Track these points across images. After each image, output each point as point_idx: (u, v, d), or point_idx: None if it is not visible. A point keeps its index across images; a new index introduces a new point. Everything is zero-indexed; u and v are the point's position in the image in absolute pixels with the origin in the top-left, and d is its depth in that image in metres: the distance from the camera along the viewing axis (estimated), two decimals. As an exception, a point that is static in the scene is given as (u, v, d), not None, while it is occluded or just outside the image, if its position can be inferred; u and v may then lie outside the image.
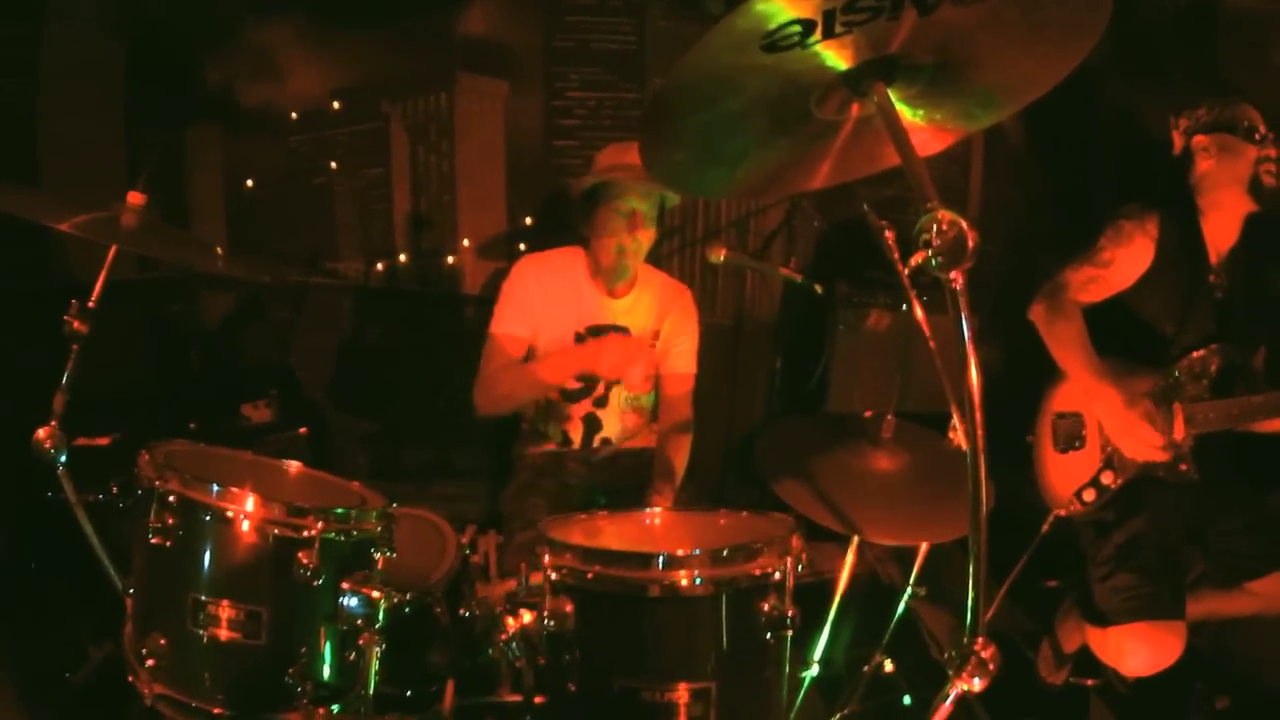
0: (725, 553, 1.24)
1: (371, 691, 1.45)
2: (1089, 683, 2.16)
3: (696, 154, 1.34)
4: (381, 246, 2.93)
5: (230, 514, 1.24)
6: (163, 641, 1.23)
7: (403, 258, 2.95)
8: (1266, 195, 1.97)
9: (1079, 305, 2.05)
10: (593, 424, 2.32)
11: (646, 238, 2.19)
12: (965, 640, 1.12)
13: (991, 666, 1.07)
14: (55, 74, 2.51)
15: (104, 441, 2.11)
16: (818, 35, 1.05)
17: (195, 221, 2.74)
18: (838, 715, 1.98)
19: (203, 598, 1.24)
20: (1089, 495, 2.02)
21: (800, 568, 1.30)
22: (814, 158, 1.45)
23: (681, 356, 2.34)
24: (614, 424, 2.32)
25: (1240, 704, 2.14)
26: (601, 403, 2.30)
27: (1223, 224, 2.01)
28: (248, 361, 2.80)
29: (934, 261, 1.07)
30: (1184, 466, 1.98)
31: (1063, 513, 2.05)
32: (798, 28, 1.04)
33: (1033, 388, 2.22)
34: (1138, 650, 1.86)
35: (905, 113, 1.22)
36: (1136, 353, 2.07)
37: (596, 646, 1.26)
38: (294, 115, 2.77)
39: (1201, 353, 1.99)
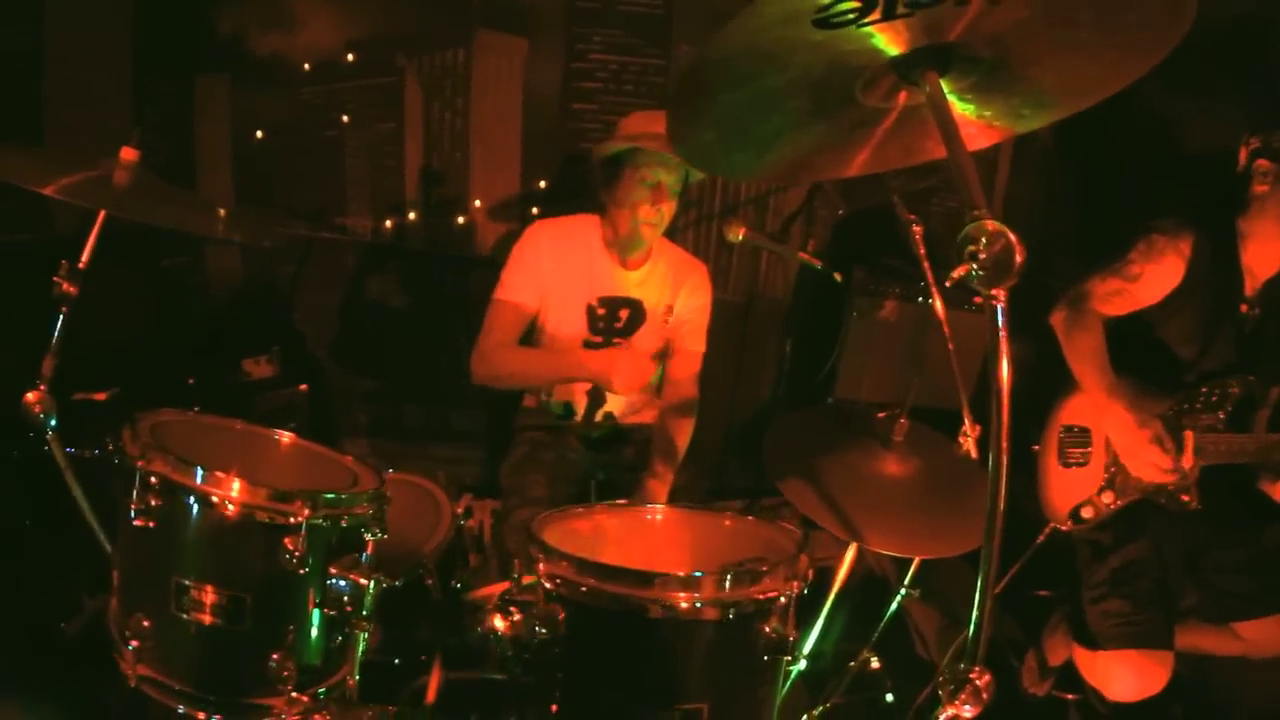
0: (730, 576, 1.18)
1: (357, 678, 1.44)
2: (1070, 697, 2.16)
3: (726, 134, 1.27)
4: (391, 204, 2.87)
5: (214, 498, 1.21)
6: (145, 624, 1.22)
7: (412, 216, 2.89)
8: None
9: (1101, 317, 1.99)
10: (597, 397, 2.28)
11: (669, 210, 2.13)
12: (962, 666, 1.11)
13: (985, 695, 1.05)
14: (61, 20, 2.42)
15: (100, 397, 2.09)
16: (876, 15, 0.99)
17: (202, 172, 2.68)
18: (820, 708, 1.97)
19: (186, 582, 1.22)
20: (1087, 513, 2.00)
21: (805, 591, 1.26)
22: (850, 145, 1.39)
23: (692, 334, 2.29)
24: (618, 398, 2.28)
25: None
26: (605, 388, 2.27)
27: (1265, 253, 1.92)
28: (250, 316, 2.76)
29: (976, 274, 1.01)
30: (1186, 496, 1.94)
31: (1060, 528, 2.03)
32: (856, 3, 0.97)
33: (1041, 392, 2.16)
34: (1124, 677, 1.85)
35: (953, 105, 1.15)
36: (1152, 372, 2.01)
37: (587, 660, 1.22)
38: (306, 66, 2.67)
39: (1223, 382, 1.93)
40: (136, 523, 1.20)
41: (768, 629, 1.21)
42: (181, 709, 1.24)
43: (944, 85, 1.13)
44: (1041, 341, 2.10)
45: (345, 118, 2.75)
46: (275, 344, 2.68)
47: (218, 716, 1.27)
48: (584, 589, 1.17)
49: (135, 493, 1.20)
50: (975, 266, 1.00)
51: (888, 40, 1.04)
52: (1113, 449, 1.97)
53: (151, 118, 2.54)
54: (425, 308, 3.03)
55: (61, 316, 1.45)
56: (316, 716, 1.33)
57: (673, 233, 2.67)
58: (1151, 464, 1.88)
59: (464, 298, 3.01)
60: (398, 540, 1.68)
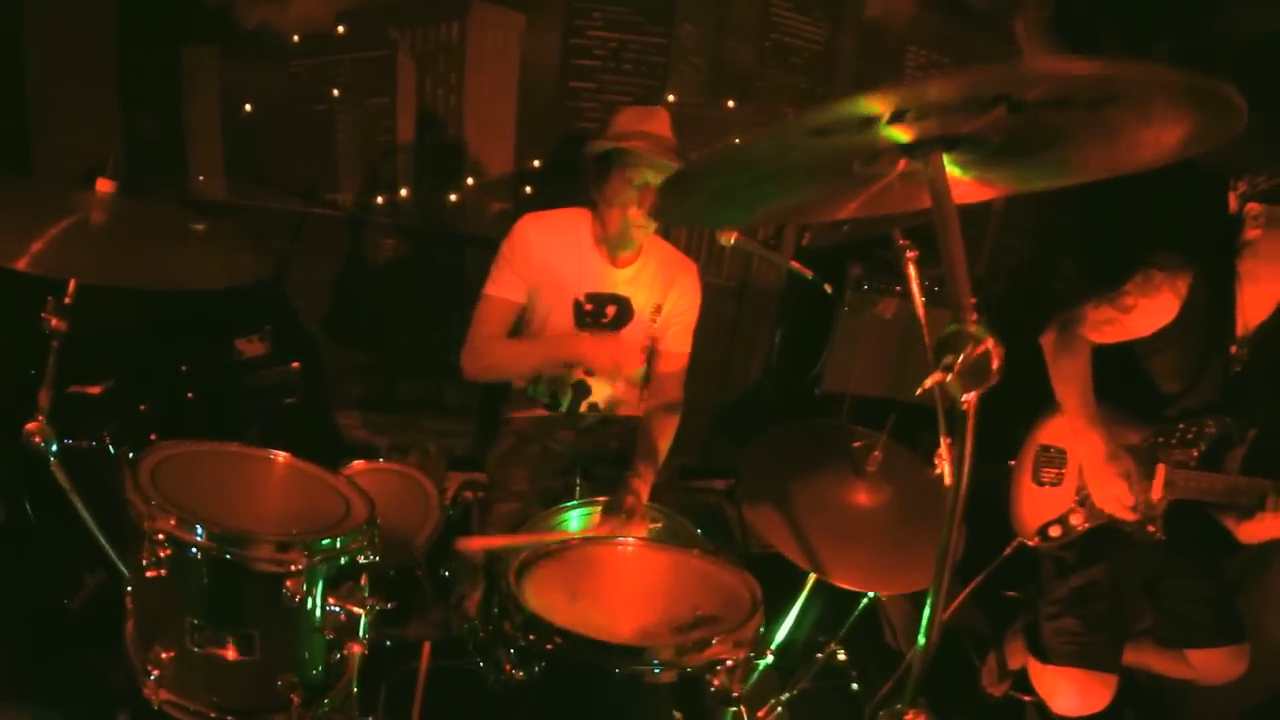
0: (687, 646, 1.32)
1: (356, 689, 1.54)
2: (1026, 699, 2.24)
3: (715, 201, 1.28)
4: (383, 179, 2.82)
5: (215, 554, 1.29)
6: (164, 655, 1.33)
7: (404, 192, 2.85)
8: None
9: (1090, 343, 2.00)
10: (582, 390, 2.31)
11: None
12: (899, 707, 1.23)
13: None
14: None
15: (95, 390, 2.11)
16: (881, 123, 0.97)
17: (192, 146, 2.61)
18: (786, 694, 2.08)
19: (198, 621, 1.32)
20: (1054, 531, 2.05)
21: (753, 655, 1.40)
22: (843, 198, 1.40)
23: (679, 335, 2.30)
24: (603, 391, 2.32)
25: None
26: (593, 370, 2.29)
27: (1259, 297, 1.91)
28: (242, 293, 2.74)
29: (950, 381, 1.03)
30: (1151, 528, 1.99)
31: (1027, 542, 2.10)
32: (859, 123, 0.96)
33: (1029, 391, 2.16)
34: (1068, 693, 1.95)
35: (953, 172, 1.14)
36: (1133, 401, 2.04)
37: (554, 699, 1.39)
38: (295, 38, 2.58)
39: (1201, 420, 1.96)
40: (149, 574, 1.28)
41: (716, 683, 1.35)
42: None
43: (946, 159, 1.12)
44: (1030, 336, 2.09)
45: (336, 91, 2.67)
46: (268, 323, 2.68)
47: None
48: (551, 648, 1.32)
49: (145, 548, 1.28)
50: (951, 377, 1.02)
51: (897, 131, 1.02)
52: (1083, 474, 2.02)
53: (139, 91, 2.46)
54: (418, 283, 3.02)
55: (53, 351, 1.45)
56: (323, 729, 1.46)
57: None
58: (1115, 497, 1.92)
59: (457, 274, 3.00)
60: (388, 533, 1.74)
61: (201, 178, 2.65)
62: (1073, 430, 2.00)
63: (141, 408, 2.24)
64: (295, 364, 2.73)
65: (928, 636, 1.18)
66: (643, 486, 2.10)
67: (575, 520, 2.07)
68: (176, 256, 1.55)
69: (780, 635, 2.02)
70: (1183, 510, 1.97)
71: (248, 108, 2.60)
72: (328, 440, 3.09)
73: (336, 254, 2.90)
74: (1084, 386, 1.96)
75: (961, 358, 0.99)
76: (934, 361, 1.03)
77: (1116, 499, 1.92)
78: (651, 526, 1.97)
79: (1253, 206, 1.84)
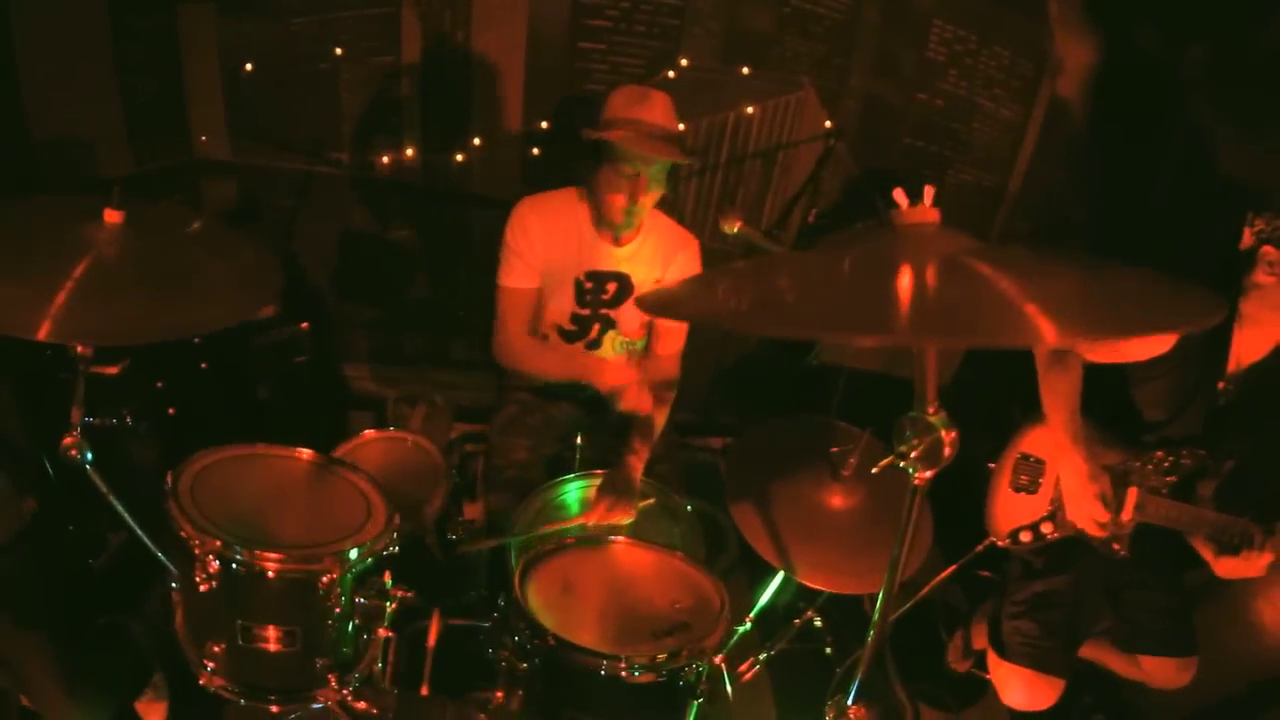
0: (660, 657, 1.54)
1: (381, 665, 1.73)
2: (987, 677, 2.32)
3: None
4: (388, 139, 2.77)
5: (258, 568, 1.43)
6: (217, 649, 1.49)
7: (410, 152, 2.81)
8: None
9: (1083, 361, 2.00)
10: None
11: (650, 199, 2.11)
12: (847, 702, 1.40)
13: None
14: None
15: (113, 370, 2.15)
16: None
17: (192, 107, 2.56)
18: (764, 654, 2.24)
19: (246, 623, 1.47)
20: (1025, 537, 2.11)
21: (714, 660, 1.60)
22: None
23: None
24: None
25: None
26: (595, 345, 2.34)
27: (1255, 339, 1.89)
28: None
29: (904, 464, 1.11)
30: (1117, 546, 2.04)
31: (998, 543, 2.17)
32: None
33: (1025, 377, 2.19)
34: (1018, 688, 2.07)
35: None
36: (1116, 423, 2.07)
37: (551, 685, 1.61)
38: (296, -6, 2.49)
39: (1178, 452, 1.99)
40: (201, 589, 1.42)
41: (682, 681, 1.57)
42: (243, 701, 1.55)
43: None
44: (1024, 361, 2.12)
45: (339, 50, 2.59)
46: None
47: (274, 708, 1.57)
48: (547, 648, 1.54)
49: (196, 568, 1.42)
50: (905, 463, 1.11)
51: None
52: (1059, 487, 2.08)
53: (134, 54, 2.39)
54: (424, 241, 3.02)
55: (80, 374, 1.47)
56: (358, 704, 1.64)
57: (674, 182, 2.62)
58: (1089, 515, 1.97)
59: (463, 233, 3.01)
60: (402, 499, 1.83)
61: (204, 138, 2.61)
62: (1056, 444, 2.04)
63: (158, 384, 2.30)
64: (304, 324, 2.77)
65: (874, 636, 1.29)
66: (637, 463, 2.17)
67: (574, 492, 2.17)
68: (189, 298, 1.53)
69: (762, 601, 2.16)
70: (1148, 527, 2.03)
71: (248, 67, 2.53)
72: (337, 394, 3.16)
73: (343, 212, 2.89)
74: (1073, 403, 1.98)
75: (919, 446, 1.08)
76: (893, 443, 1.12)
77: (1091, 516, 1.98)
78: (644, 504, 2.08)
79: (1269, 250, 1.78)
